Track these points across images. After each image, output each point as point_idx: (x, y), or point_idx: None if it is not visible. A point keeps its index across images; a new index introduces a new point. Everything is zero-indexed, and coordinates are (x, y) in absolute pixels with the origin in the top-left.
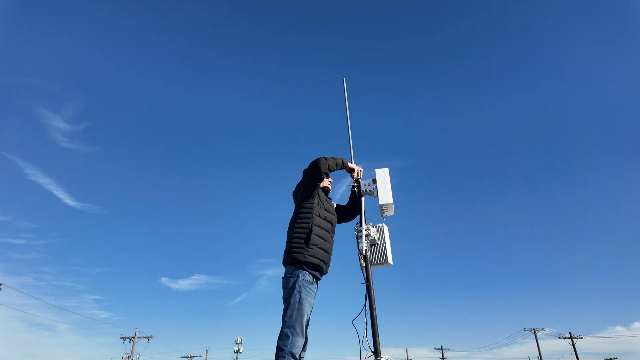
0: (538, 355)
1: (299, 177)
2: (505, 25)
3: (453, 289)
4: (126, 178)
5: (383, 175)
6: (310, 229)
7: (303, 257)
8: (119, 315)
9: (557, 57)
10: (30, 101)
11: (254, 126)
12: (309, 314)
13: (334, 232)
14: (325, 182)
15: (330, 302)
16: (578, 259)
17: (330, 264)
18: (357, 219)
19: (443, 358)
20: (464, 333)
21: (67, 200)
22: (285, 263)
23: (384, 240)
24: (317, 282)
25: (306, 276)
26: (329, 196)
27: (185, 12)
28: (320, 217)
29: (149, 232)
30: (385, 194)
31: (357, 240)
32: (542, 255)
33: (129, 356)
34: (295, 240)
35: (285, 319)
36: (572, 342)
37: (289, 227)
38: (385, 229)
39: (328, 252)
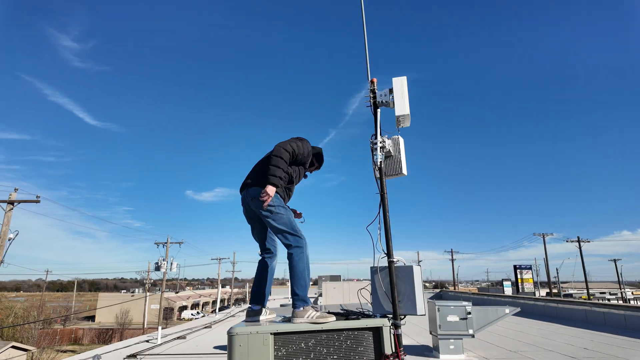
0: (544, 256)
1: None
2: None
3: (465, 198)
4: (140, 95)
5: (400, 85)
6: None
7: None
8: (151, 224)
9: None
10: (35, 18)
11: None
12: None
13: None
14: (314, 166)
15: (348, 210)
16: (589, 163)
17: (347, 175)
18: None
19: (452, 259)
20: (473, 237)
21: (88, 119)
22: (258, 185)
23: (399, 152)
24: None
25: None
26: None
27: None
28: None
29: (170, 148)
30: (402, 105)
31: (372, 152)
32: (552, 160)
33: (164, 259)
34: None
35: (282, 227)
36: (579, 245)
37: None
38: (401, 140)
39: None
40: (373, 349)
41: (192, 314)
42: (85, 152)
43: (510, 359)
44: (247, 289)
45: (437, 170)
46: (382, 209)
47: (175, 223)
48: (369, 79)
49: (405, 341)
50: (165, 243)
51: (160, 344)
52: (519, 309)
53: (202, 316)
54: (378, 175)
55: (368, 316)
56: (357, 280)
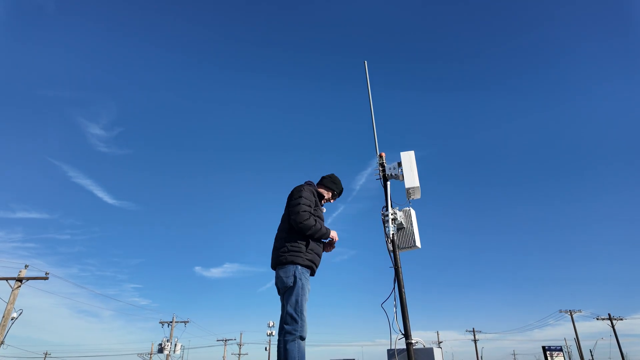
0: (575, 336)
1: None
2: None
3: (483, 274)
4: (158, 176)
5: (409, 158)
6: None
7: (302, 260)
8: (157, 302)
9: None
10: (70, 112)
11: (262, 130)
12: (307, 299)
13: None
14: (326, 196)
15: (359, 286)
16: (612, 237)
17: (358, 249)
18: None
19: (475, 340)
20: (495, 316)
21: (107, 198)
22: (278, 264)
23: (412, 224)
24: None
25: (303, 269)
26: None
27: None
28: None
29: (182, 226)
30: (411, 177)
31: (384, 224)
32: (575, 235)
33: (167, 339)
34: (293, 244)
35: (290, 304)
36: (612, 323)
37: (282, 229)
38: (413, 212)
39: (320, 255)
40: None
41: None
42: (99, 230)
43: None
44: None
45: (450, 241)
46: (397, 284)
47: (182, 301)
48: (378, 153)
49: None
50: (170, 322)
51: None
52: None
53: None
54: (391, 248)
55: None
56: None
